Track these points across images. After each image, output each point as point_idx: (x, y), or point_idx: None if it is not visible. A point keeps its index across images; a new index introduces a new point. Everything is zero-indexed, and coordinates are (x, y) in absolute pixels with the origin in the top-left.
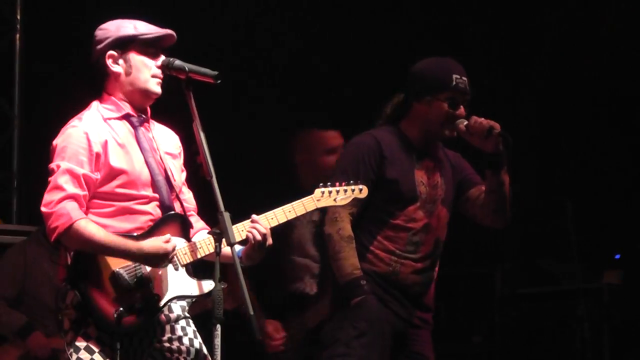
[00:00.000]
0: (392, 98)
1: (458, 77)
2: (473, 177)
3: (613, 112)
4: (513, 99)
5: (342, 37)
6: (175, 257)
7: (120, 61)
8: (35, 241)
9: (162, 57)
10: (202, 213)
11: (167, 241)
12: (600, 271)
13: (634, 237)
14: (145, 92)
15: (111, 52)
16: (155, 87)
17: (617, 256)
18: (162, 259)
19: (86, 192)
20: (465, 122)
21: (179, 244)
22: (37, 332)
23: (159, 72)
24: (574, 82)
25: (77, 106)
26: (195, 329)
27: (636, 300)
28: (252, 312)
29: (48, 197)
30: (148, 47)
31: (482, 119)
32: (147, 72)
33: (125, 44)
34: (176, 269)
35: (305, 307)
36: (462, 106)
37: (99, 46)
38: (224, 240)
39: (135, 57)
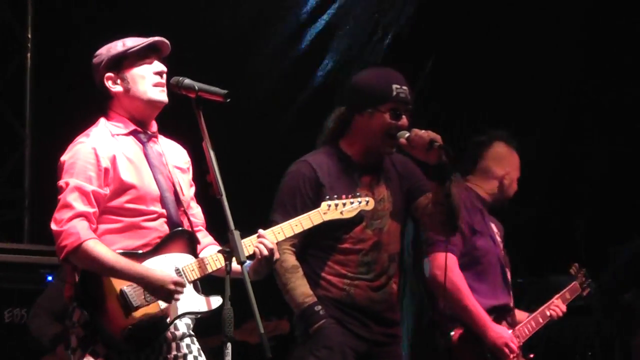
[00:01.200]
0: (333, 112)
1: (398, 87)
2: (422, 184)
3: (627, 131)
4: (525, 116)
5: None
6: (178, 294)
7: (118, 80)
8: None
9: (156, 62)
10: (211, 230)
11: (177, 282)
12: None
13: None
14: (149, 103)
15: (108, 74)
16: (157, 95)
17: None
18: (166, 292)
19: (96, 209)
20: (407, 135)
21: (186, 260)
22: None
23: (158, 78)
24: (585, 98)
25: (88, 125)
26: (199, 347)
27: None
28: (262, 330)
29: (58, 215)
30: (140, 59)
31: (423, 131)
32: (145, 83)
33: (118, 63)
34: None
35: None
36: (404, 116)
37: (97, 71)
38: (234, 258)
39: (130, 72)
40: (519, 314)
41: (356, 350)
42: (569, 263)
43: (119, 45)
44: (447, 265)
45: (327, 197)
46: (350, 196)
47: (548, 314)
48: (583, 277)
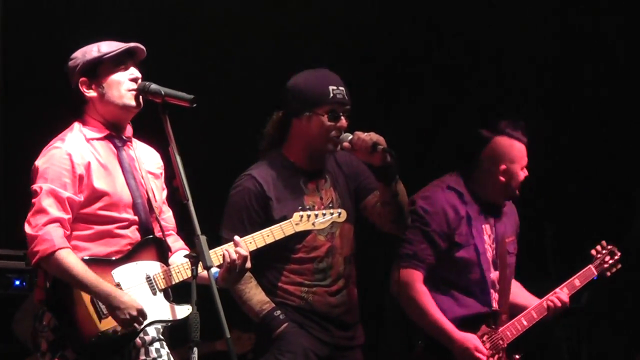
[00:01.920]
0: (272, 116)
1: (335, 87)
2: (369, 183)
3: (594, 135)
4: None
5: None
6: (138, 324)
7: (93, 85)
8: None
9: (132, 68)
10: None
11: (140, 311)
12: (580, 292)
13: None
14: (123, 108)
15: (82, 78)
16: (132, 100)
17: (595, 277)
18: (126, 317)
19: (70, 216)
20: (350, 137)
21: (156, 268)
22: None
23: (133, 84)
24: (555, 102)
25: (58, 129)
26: (169, 351)
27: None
28: (228, 335)
29: (33, 219)
30: (116, 64)
31: (366, 134)
32: (120, 89)
33: (92, 68)
34: (154, 294)
35: None
36: (342, 117)
37: (72, 76)
38: (200, 263)
39: (105, 78)
40: (526, 300)
41: (318, 354)
42: (540, 266)
43: (94, 50)
44: (407, 281)
45: (300, 207)
46: (322, 207)
47: (545, 306)
48: (607, 255)
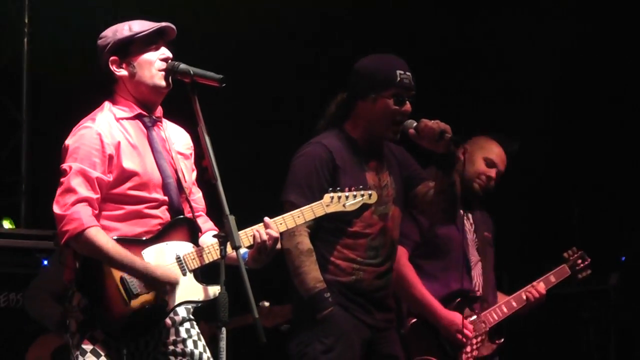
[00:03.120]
0: (336, 97)
1: (402, 72)
2: (420, 173)
3: (622, 116)
4: (519, 102)
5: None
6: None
7: (123, 64)
8: None
9: (163, 48)
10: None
11: (174, 284)
12: (607, 273)
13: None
14: (154, 88)
15: (113, 57)
16: (161, 81)
17: (623, 258)
18: (164, 292)
19: (99, 195)
20: (415, 124)
21: (186, 248)
22: None
23: (164, 65)
24: (582, 84)
25: (85, 110)
26: (199, 331)
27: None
28: (256, 315)
29: (61, 199)
30: (147, 44)
31: (433, 122)
32: (151, 69)
33: (124, 47)
34: (184, 274)
35: None
36: (407, 102)
37: (102, 54)
38: (229, 243)
39: (137, 57)
40: (501, 297)
41: (362, 337)
42: (565, 249)
43: (125, 29)
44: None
45: (330, 189)
46: (353, 189)
47: (524, 297)
48: (579, 259)
